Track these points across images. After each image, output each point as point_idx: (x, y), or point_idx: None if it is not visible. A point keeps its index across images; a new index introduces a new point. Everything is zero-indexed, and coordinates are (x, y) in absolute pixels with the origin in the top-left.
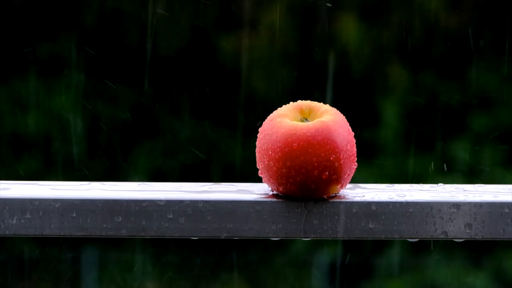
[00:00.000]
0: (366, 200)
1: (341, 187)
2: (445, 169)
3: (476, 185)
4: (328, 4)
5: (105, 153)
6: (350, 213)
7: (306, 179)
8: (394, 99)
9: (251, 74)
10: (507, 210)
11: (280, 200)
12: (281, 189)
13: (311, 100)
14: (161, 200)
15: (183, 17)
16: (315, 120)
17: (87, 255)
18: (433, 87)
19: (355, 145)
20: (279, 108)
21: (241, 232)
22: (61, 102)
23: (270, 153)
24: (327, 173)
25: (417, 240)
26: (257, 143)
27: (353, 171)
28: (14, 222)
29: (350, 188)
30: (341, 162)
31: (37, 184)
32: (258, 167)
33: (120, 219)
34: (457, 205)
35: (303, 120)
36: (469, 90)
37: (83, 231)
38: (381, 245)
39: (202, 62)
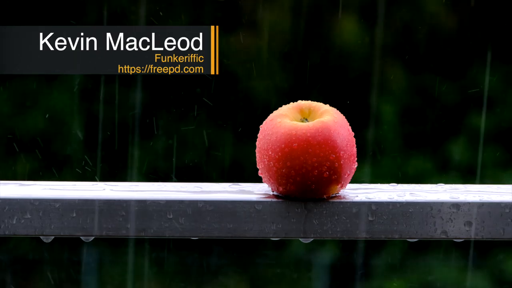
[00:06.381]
0: (366, 200)
1: (341, 187)
2: (445, 169)
3: (476, 185)
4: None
5: (104, 153)
6: (350, 213)
7: (306, 179)
8: (393, 98)
9: (251, 74)
10: (507, 210)
11: (280, 200)
12: (281, 189)
13: (311, 100)
14: (161, 200)
15: (182, 16)
16: (315, 120)
17: (87, 255)
18: (432, 87)
19: (355, 145)
20: (279, 108)
21: (241, 232)
22: (59, 101)
23: (270, 153)
24: (327, 173)
25: (417, 240)
26: (257, 143)
27: (353, 171)
28: (14, 222)
29: (350, 188)
30: (341, 162)
31: (37, 184)
32: (258, 167)
33: (120, 219)
34: (457, 205)
35: (303, 120)
36: (469, 90)
37: (83, 231)
38: (381, 245)
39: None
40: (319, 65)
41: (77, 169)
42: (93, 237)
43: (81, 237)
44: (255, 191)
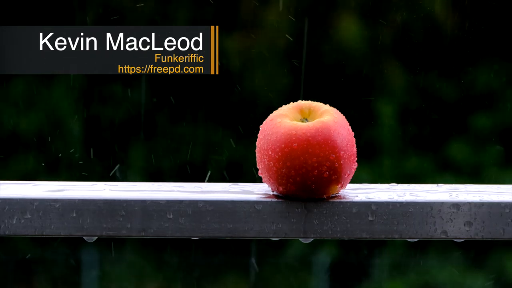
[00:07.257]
0: (366, 200)
1: (341, 187)
2: (445, 169)
3: (476, 185)
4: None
5: (104, 153)
6: (350, 213)
7: (306, 179)
8: (393, 99)
9: (251, 74)
10: (507, 210)
11: (280, 200)
12: (281, 189)
13: (311, 100)
14: (161, 200)
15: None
16: (315, 120)
17: (87, 255)
18: (432, 87)
19: (355, 145)
20: (279, 108)
21: (241, 232)
22: (59, 101)
23: (270, 153)
24: (327, 173)
25: (417, 240)
26: (257, 143)
27: (353, 171)
28: (14, 222)
29: (350, 188)
30: (341, 162)
31: (37, 184)
32: (258, 167)
33: (120, 219)
34: (457, 205)
35: (303, 120)
36: (469, 90)
37: (83, 231)
38: (380, 245)
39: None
40: (319, 65)
41: (76, 169)
42: (96, 237)
43: (84, 237)
44: (255, 191)
